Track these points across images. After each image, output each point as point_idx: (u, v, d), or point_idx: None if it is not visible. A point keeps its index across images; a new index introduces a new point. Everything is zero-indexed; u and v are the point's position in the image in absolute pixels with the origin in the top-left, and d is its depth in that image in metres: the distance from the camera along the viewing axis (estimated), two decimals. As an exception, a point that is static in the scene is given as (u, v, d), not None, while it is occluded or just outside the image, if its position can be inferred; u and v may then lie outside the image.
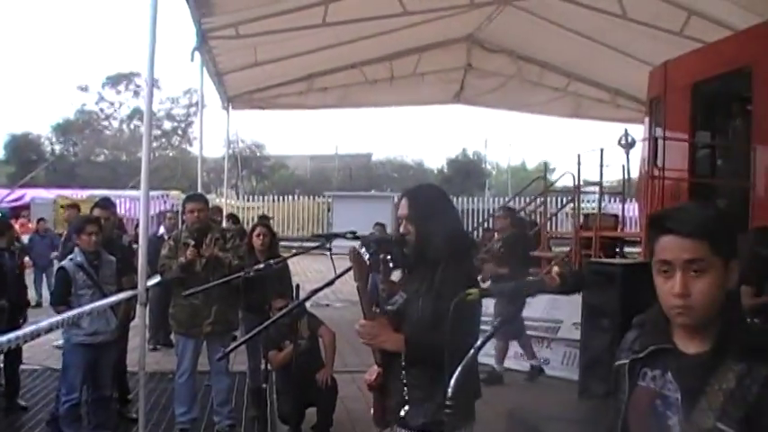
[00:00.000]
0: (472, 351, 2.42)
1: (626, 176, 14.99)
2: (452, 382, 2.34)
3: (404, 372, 3.32)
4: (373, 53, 15.94)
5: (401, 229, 3.46)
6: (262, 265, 5.46)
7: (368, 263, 3.33)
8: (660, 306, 2.09)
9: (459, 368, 2.35)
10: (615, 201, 20.07)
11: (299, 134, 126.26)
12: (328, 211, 35.02)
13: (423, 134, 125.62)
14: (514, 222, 10.67)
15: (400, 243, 3.46)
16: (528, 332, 9.90)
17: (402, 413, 3.32)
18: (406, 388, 3.31)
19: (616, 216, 14.66)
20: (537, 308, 10.12)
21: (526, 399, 6.85)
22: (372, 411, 3.58)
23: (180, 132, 57.62)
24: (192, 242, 6.74)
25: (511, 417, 5.95)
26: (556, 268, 9.26)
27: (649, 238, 2.19)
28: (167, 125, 56.65)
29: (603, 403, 6.04)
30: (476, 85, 17.97)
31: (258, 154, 59.03)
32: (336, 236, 5.47)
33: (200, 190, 12.49)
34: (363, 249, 3.30)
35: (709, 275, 1.99)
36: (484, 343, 2.49)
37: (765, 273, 6.87)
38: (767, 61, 9.66)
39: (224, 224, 12.55)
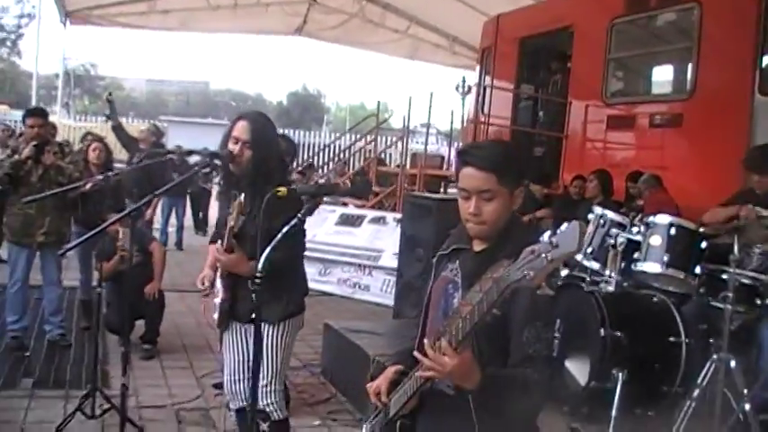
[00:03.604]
0: (281, 233, 2.96)
1: (461, 120, 15.58)
2: (263, 259, 2.87)
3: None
4: (218, -21, 15.85)
5: (236, 151, 3.74)
6: (101, 177, 5.60)
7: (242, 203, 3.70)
8: None
9: (269, 248, 2.89)
10: (446, 143, 20.80)
11: (136, 56, 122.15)
12: (164, 136, 34.29)
13: (263, 66, 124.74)
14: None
15: (229, 160, 3.81)
16: (352, 260, 10.52)
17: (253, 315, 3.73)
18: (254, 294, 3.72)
19: (443, 157, 15.39)
20: (361, 237, 10.74)
21: (342, 317, 7.36)
22: (218, 317, 3.99)
23: (9, 44, 54.45)
24: (34, 145, 6.69)
25: (326, 328, 6.43)
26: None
27: (455, 168, 2.75)
28: (-4, 35, 53.34)
29: (411, 322, 6.65)
30: (318, 20, 18.13)
31: (92, 73, 56.85)
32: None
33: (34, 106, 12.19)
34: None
35: (496, 201, 2.56)
36: (293, 226, 3.02)
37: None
38: (587, 23, 10.49)
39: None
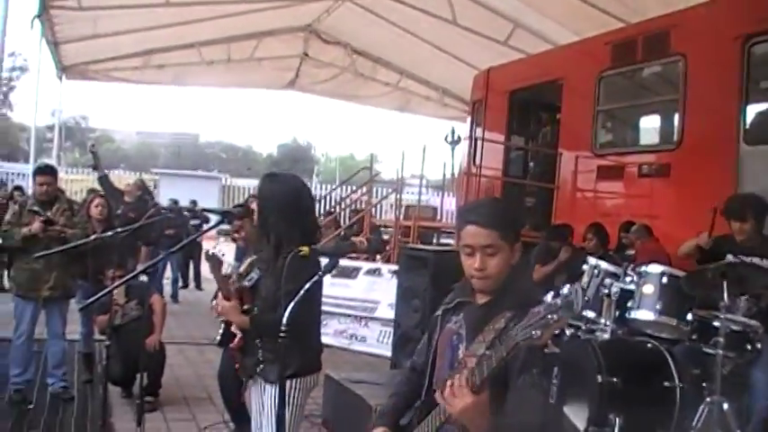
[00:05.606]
0: (303, 290, 3.13)
1: (450, 172, 15.69)
2: (287, 314, 3.04)
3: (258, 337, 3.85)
4: (212, 35, 16.17)
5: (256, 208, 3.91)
6: (110, 233, 5.75)
7: (222, 260, 3.94)
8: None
9: (292, 303, 3.06)
10: (437, 194, 20.91)
11: (126, 108, 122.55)
12: (155, 188, 34.32)
13: (253, 119, 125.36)
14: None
15: (240, 218, 4.01)
16: (348, 312, 10.64)
17: (258, 370, 3.82)
18: (260, 350, 3.82)
19: (435, 208, 15.54)
20: (357, 289, 10.89)
21: (340, 368, 7.45)
22: (237, 367, 4.06)
23: (0, 96, 54.70)
24: (38, 210, 6.88)
25: (327, 379, 6.52)
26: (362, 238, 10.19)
27: (457, 226, 2.93)
28: (-15, 87, 53.52)
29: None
30: (311, 73, 18.52)
31: (83, 125, 57.12)
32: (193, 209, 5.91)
33: (31, 160, 12.38)
34: (218, 249, 3.89)
35: (498, 256, 2.74)
36: (316, 281, 3.22)
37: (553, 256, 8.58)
38: (576, 76, 10.72)
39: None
